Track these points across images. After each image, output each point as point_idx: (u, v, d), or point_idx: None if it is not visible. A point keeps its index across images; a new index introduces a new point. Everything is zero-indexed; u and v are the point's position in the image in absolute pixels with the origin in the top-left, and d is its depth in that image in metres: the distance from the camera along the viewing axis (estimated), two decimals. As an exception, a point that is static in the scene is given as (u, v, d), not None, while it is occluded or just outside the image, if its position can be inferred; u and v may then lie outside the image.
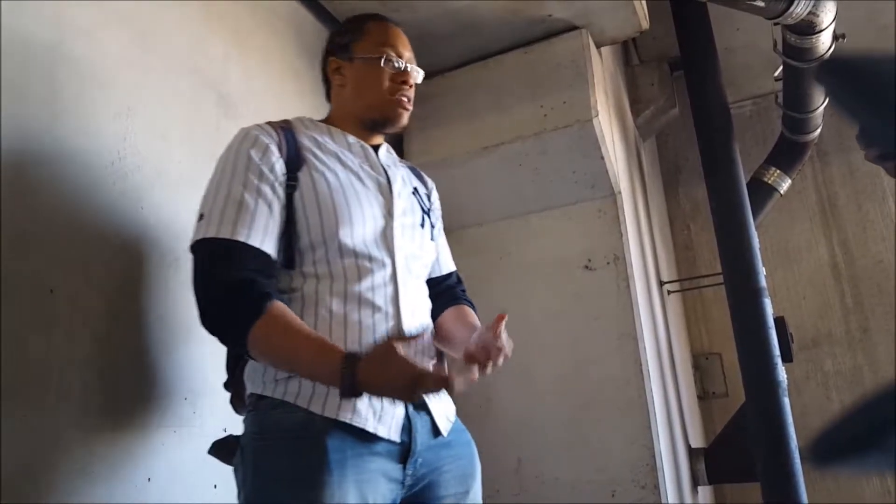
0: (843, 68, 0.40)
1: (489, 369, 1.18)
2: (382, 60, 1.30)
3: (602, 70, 2.63)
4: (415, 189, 1.39)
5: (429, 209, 1.41)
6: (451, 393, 1.11)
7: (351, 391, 1.00)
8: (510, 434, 2.51)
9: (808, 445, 0.39)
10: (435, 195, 1.51)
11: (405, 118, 1.34)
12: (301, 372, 1.09)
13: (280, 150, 1.19)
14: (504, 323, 1.18)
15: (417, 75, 1.37)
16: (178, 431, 1.39)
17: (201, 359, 1.47)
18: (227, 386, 1.28)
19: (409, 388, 0.98)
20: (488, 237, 2.71)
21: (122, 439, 1.29)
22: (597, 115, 2.37)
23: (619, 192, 2.57)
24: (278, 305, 1.08)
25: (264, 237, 1.12)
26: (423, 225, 1.34)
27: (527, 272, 2.62)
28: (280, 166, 1.17)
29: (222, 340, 1.12)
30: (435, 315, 1.37)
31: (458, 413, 2.54)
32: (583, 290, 2.52)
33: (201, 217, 1.12)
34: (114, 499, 1.24)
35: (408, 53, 1.36)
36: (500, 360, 1.19)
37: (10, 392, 1.11)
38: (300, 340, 1.06)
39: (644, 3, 2.52)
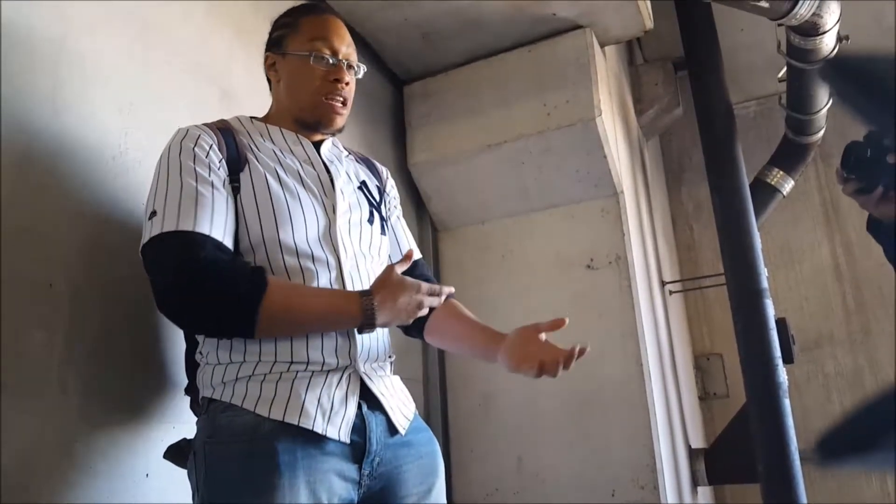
0: (849, 66, 0.40)
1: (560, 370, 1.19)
2: (312, 57, 1.24)
3: (606, 69, 2.62)
4: (362, 183, 1.34)
5: (378, 202, 1.36)
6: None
7: (371, 324, 1.09)
8: (510, 432, 2.51)
9: (813, 444, 0.39)
10: (391, 185, 1.45)
11: (339, 121, 1.28)
12: (318, 325, 1.10)
13: (221, 150, 1.16)
14: (559, 328, 1.26)
15: (357, 70, 1.30)
16: (176, 427, 1.38)
17: (202, 355, 1.47)
18: (187, 391, 1.27)
19: (416, 308, 1.11)
20: (491, 235, 2.71)
21: (122, 435, 1.29)
22: (600, 115, 2.37)
23: (622, 192, 2.57)
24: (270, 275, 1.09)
25: (226, 233, 1.09)
26: (371, 220, 1.30)
27: (529, 271, 2.62)
28: (223, 167, 1.14)
29: (222, 328, 1.08)
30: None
31: (459, 412, 2.56)
32: (585, 290, 2.52)
33: (153, 214, 1.07)
34: (113, 494, 1.24)
35: (345, 48, 1.28)
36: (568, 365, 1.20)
37: (10, 387, 1.10)
38: (311, 296, 1.10)
39: (648, 2, 2.51)
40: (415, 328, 1.37)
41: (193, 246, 1.04)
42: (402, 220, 1.48)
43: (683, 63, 3.06)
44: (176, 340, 1.42)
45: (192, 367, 1.23)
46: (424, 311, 1.15)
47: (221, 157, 1.15)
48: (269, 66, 1.31)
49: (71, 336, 1.22)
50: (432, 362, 2.64)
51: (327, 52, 1.25)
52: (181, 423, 1.39)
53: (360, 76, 1.32)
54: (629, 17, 2.44)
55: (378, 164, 1.47)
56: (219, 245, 1.07)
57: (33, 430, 1.13)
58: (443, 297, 1.16)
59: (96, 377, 1.26)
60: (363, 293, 1.10)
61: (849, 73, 0.41)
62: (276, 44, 1.30)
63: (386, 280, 1.12)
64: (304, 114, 1.27)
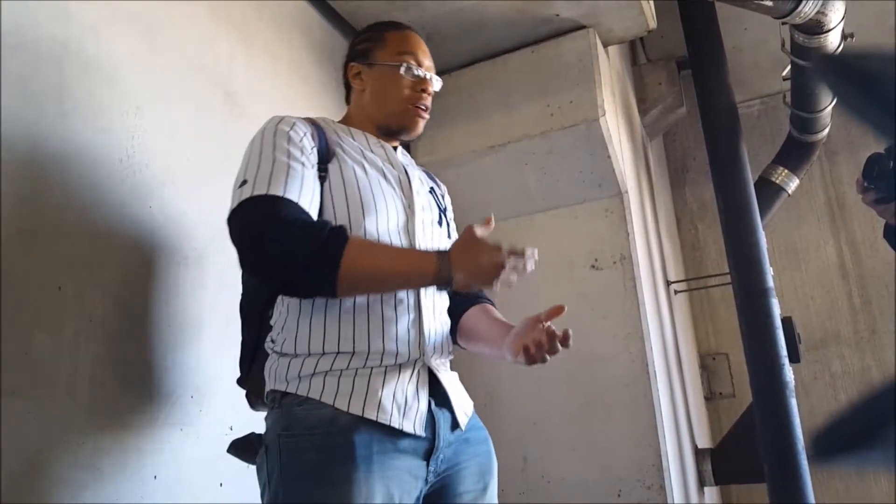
0: (841, 64, 0.41)
1: (548, 356, 1.18)
2: (403, 68, 1.32)
3: (609, 69, 2.62)
4: (431, 188, 1.41)
5: (444, 208, 1.43)
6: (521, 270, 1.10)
7: (447, 280, 1.07)
8: (515, 433, 2.51)
9: (810, 440, 0.39)
10: (448, 198, 1.52)
11: (421, 126, 1.36)
12: (396, 281, 1.11)
13: (314, 139, 1.21)
14: (559, 315, 1.22)
15: (437, 84, 1.38)
16: (184, 430, 1.40)
17: (208, 357, 1.48)
18: (241, 383, 1.28)
19: (497, 269, 1.06)
20: (494, 236, 2.69)
21: (130, 437, 1.30)
22: (604, 115, 2.37)
23: (626, 192, 2.56)
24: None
25: (311, 204, 1.13)
26: (440, 223, 1.36)
27: (533, 271, 2.61)
28: (314, 154, 1.19)
29: (307, 282, 1.08)
30: (456, 315, 1.37)
31: (464, 412, 2.56)
32: (589, 290, 2.52)
33: (244, 183, 1.10)
34: (121, 496, 1.24)
35: (427, 62, 1.37)
36: (559, 347, 1.17)
37: (18, 388, 1.11)
38: (390, 252, 1.13)
39: (651, 2, 2.51)
40: (451, 332, 1.38)
41: (280, 206, 1.08)
42: (457, 234, 1.51)
43: (687, 62, 3.06)
44: (184, 344, 1.43)
45: (252, 357, 1.25)
46: (510, 277, 1.09)
47: (314, 144, 1.20)
48: (354, 76, 1.37)
49: (78, 338, 1.23)
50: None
51: (415, 65, 1.33)
52: (189, 426, 1.40)
53: (437, 89, 1.38)
54: (632, 17, 2.43)
55: (437, 178, 1.53)
56: (304, 210, 1.11)
57: (41, 432, 1.14)
58: (528, 262, 1.10)
59: (104, 379, 1.26)
60: (440, 252, 1.11)
61: (841, 69, 0.41)
62: (362, 55, 1.36)
63: (465, 239, 1.10)
64: (391, 119, 1.33)
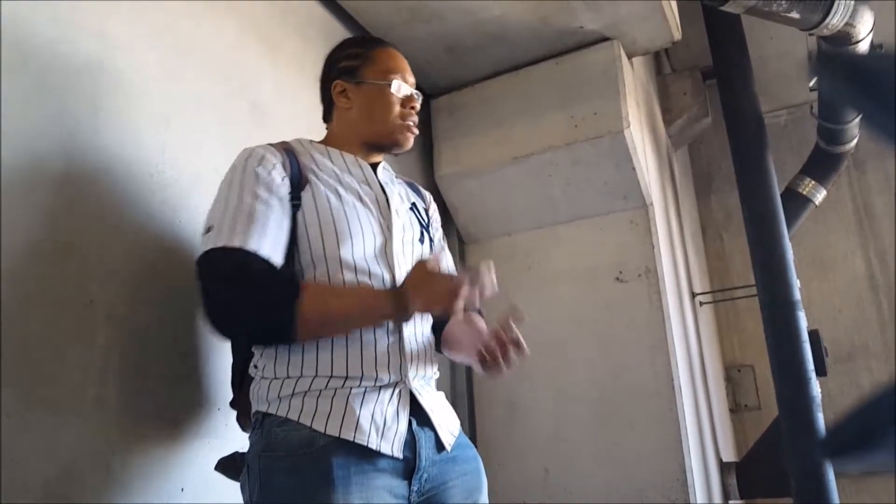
0: (839, 61, 0.41)
1: (503, 365, 1.19)
2: (394, 86, 1.33)
3: (633, 80, 2.61)
4: (413, 204, 1.41)
5: (427, 223, 1.43)
6: (479, 293, 1.12)
7: (406, 316, 1.13)
8: (537, 444, 2.50)
9: (818, 440, 0.39)
10: (433, 208, 1.52)
11: (411, 141, 1.37)
12: (353, 323, 1.14)
13: (285, 169, 1.21)
14: (516, 319, 1.21)
15: (419, 101, 1.39)
16: (210, 442, 1.41)
17: (235, 369, 1.49)
18: (233, 404, 1.30)
19: (452, 293, 1.08)
20: (517, 246, 2.71)
21: (157, 449, 1.31)
22: (628, 126, 2.36)
23: (651, 204, 2.55)
24: (305, 281, 1.15)
25: (274, 249, 1.14)
26: (422, 240, 1.36)
27: (556, 282, 2.61)
28: (285, 185, 1.19)
29: (263, 334, 1.14)
30: (442, 324, 1.37)
31: (484, 420, 2.56)
32: (614, 302, 2.50)
33: (209, 229, 1.13)
34: (148, 507, 1.26)
35: (412, 79, 1.38)
36: (513, 354, 1.19)
37: (48, 400, 1.13)
38: (345, 297, 1.15)
39: (676, 13, 2.50)
40: (437, 343, 1.38)
41: (239, 259, 1.10)
42: (445, 243, 1.53)
43: (712, 72, 3.04)
44: (211, 356, 1.45)
45: (240, 380, 1.26)
46: (465, 297, 1.09)
47: (285, 174, 1.20)
48: (339, 93, 1.36)
49: (108, 352, 1.25)
50: (459, 372, 2.65)
51: (403, 83, 1.35)
52: (216, 438, 1.42)
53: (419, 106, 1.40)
54: (657, 28, 2.43)
55: (422, 189, 1.53)
56: (265, 260, 1.12)
57: (71, 445, 1.16)
58: (485, 279, 1.12)
59: (133, 393, 1.28)
60: (394, 290, 1.15)
61: (839, 67, 0.41)
62: (347, 72, 1.36)
63: (416, 271, 1.14)
64: (381, 136, 1.34)
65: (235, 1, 1.80)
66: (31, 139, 1.19)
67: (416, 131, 1.37)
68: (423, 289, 1.11)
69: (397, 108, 1.33)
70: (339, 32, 2.27)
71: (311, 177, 1.23)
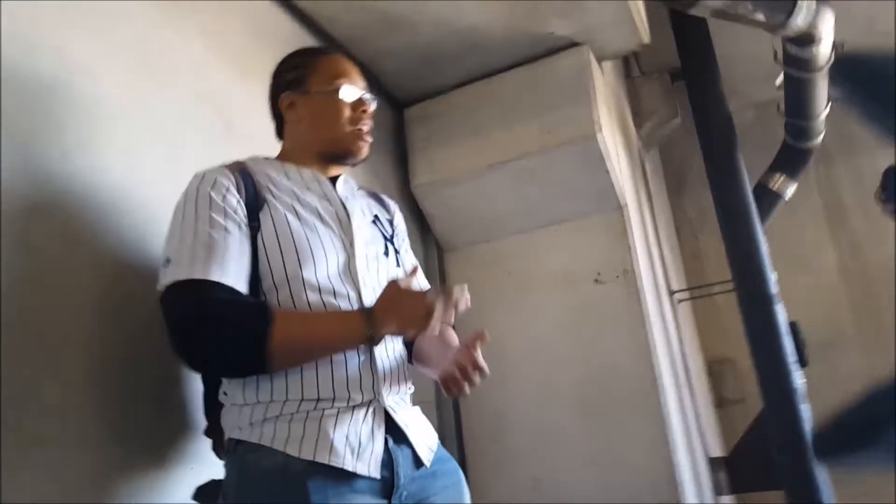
0: (857, 68, 0.41)
1: (467, 389, 1.19)
2: (342, 92, 1.30)
3: (604, 84, 2.64)
4: (375, 217, 1.38)
5: (391, 236, 1.40)
6: (449, 309, 1.12)
7: (373, 335, 1.10)
8: (526, 453, 2.49)
9: (811, 440, 0.39)
10: (398, 217, 1.49)
11: (366, 150, 1.33)
12: (327, 350, 1.11)
13: (239, 191, 1.17)
14: (480, 342, 1.20)
15: (373, 103, 1.36)
16: (195, 468, 1.37)
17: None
18: (207, 433, 1.28)
19: (425, 314, 1.07)
20: (496, 253, 2.71)
21: (143, 479, 1.28)
22: (600, 131, 2.38)
23: (626, 205, 2.57)
24: (274, 306, 1.12)
25: (237, 277, 1.11)
26: (386, 253, 1.33)
27: (536, 287, 2.62)
28: (241, 208, 1.16)
29: (236, 367, 1.11)
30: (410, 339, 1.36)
31: (472, 430, 2.55)
32: (593, 304, 2.52)
33: (167, 261, 1.09)
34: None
35: (361, 83, 1.35)
36: (477, 379, 1.20)
37: (28, 440, 1.10)
38: (316, 322, 1.13)
39: (644, 17, 2.53)
40: (408, 354, 1.37)
41: (202, 293, 1.06)
42: (410, 252, 1.50)
43: (680, 73, 3.08)
44: (192, 382, 1.42)
45: (212, 408, 1.24)
46: (439, 318, 1.10)
47: (239, 198, 1.17)
48: (288, 106, 1.33)
49: (87, 386, 1.21)
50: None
51: (351, 87, 1.32)
52: (201, 464, 1.38)
53: (373, 108, 1.37)
54: (626, 32, 2.45)
55: (386, 198, 1.50)
56: (229, 290, 1.09)
57: (54, 481, 1.12)
58: (460, 302, 1.13)
59: (115, 425, 1.25)
60: (365, 311, 1.13)
61: (857, 75, 0.42)
62: (294, 84, 1.33)
63: (387, 292, 1.13)
64: (334, 145, 1.31)
65: (204, 20, 1.77)
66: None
67: (370, 139, 1.34)
68: (395, 311, 1.10)
69: (348, 113, 1.30)
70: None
71: (269, 196, 1.20)
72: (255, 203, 1.18)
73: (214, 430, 1.24)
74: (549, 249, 2.64)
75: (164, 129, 1.54)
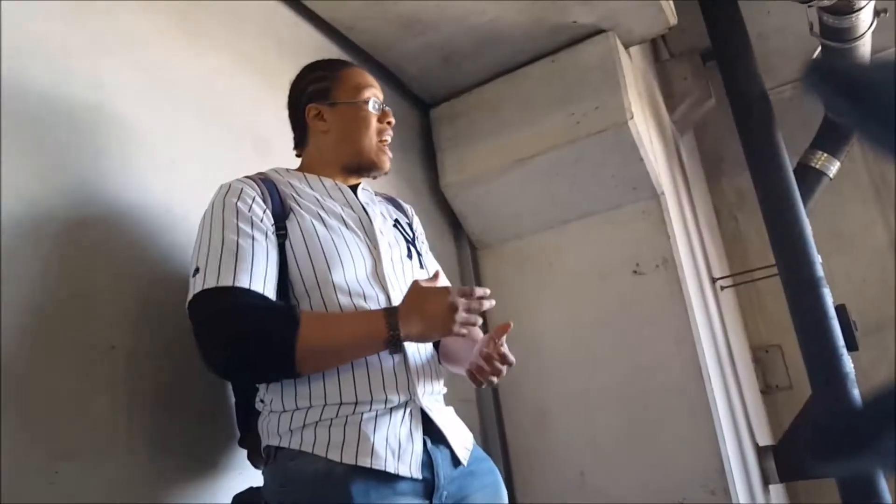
0: (831, 72, 0.39)
1: (494, 380, 1.23)
2: (370, 104, 1.33)
3: (633, 70, 2.59)
4: (396, 221, 1.40)
5: (413, 238, 1.42)
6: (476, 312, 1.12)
7: (396, 337, 1.08)
8: (570, 448, 2.47)
9: (807, 444, 0.39)
10: (416, 221, 1.51)
11: (388, 164, 1.36)
12: (353, 351, 1.11)
13: (265, 201, 1.19)
14: (505, 332, 1.22)
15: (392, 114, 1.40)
16: (243, 473, 1.40)
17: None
18: (241, 443, 1.30)
19: (449, 312, 1.07)
20: (530, 249, 2.69)
21: (192, 485, 1.31)
22: (632, 117, 2.33)
23: (663, 193, 2.52)
24: (301, 309, 1.13)
25: (266, 283, 1.11)
26: (409, 256, 1.35)
27: (573, 282, 2.59)
28: (268, 217, 1.17)
29: (264, 373, 1.12)
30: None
31: (516, 431, 2.54)
32: (633, 296, 2.47)
33: (196, 271, 1.10)
34: (188, 547, 1.25)
35: (381, 94, 1.39)
36: (504, 369, 1.23)
37: (80, 451, 1.13)
38: (340, 323, 1.12)
39: (670, -1, 2.47)
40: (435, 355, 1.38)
41: (231, 300, 1.07)
42: (431, 254, 1.52)
43: (711, 53, 3.00)
44: (231, 390, 1.44)
45: (246, 417, 1.26)
46: (466, 319, 1.10)
47: (266, 207, 1.18)
48: (315, 117, 1.35)
49: (133, 396, 1.25)
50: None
51: (376, 99, 1.35)
52: (247, 469, 1.41)
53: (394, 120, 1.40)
54: (651, 15, 2.40)
55: (403, 203, 1.52)
56: (258, 295, 1.10)
57: (106, 493, 1.16)
58: (483, 301, 1.12)
59: (161, 434, 1.28)
60: (388, 309, 1.12)
61: (832, 79, 0.40)
62: (319, 95, 1.35)
63: (410, 293, 1.13)
64: (361, 157, 1.33)
65: (230, 33, 1.80)
66: (34, 193, 1.19)
67: (390, 153, 1.36)
68: (418, 311, 1.10)
69: (375, 125, 1.33)
70: (336, 55, 2.27)
71: (294, 205, 1.21)
72: (281, 212, 1.19)
73: (249, 440, 1.26)
74: (584, 242, 2.60)
75: (197, 147, 1.58)
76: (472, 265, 2.77)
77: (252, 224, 1.14)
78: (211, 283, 1.07)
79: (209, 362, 1.10)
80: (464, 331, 1.11)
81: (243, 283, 1.08)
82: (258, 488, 1.20)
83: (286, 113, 1.91)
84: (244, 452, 1.43)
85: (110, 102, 1.38)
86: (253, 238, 1.13)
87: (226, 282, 1.07)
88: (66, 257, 1.21)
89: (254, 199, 1.17)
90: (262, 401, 1.19)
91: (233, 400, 1.44)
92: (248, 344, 1.07)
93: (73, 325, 1.18)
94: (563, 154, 2.45)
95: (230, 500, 1.29)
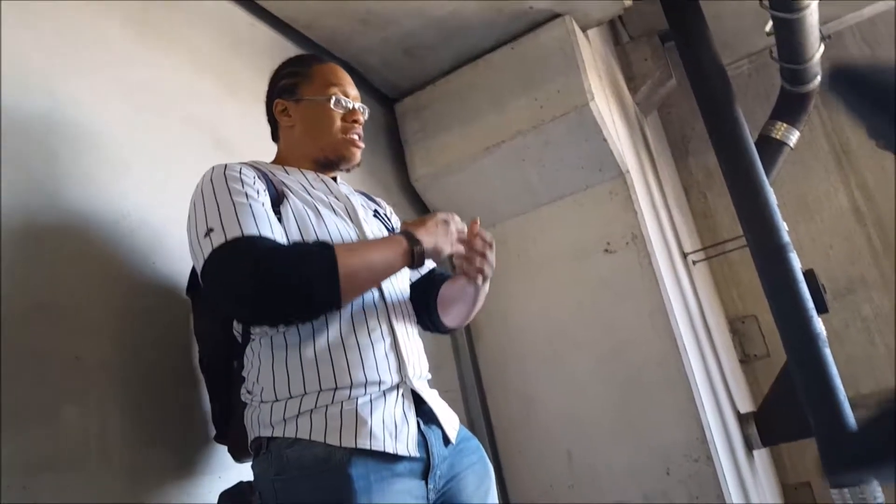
0: (853, 77, 0.41)
1: (485, 266, 1.27)
2: (332, 101, 1.33)
3: (592, 53, 2.62)
4: (375, 211, 1.43)
5: (392, 228, 1.44)
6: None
7: (421, 252, 1.15)
8: (557, 429, 2.50)
9: (823, 458, 0.39)
10: (394, 215, 1.54)
11: (358, 155, 1.37)
12: (383, 269, 1.14)
13: (263, 182, 1.19)
14: (476, 227, 1.28)
15: (365, 113, 1.40)
16: (222, 477, 1.39)
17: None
18: (220, 438, 1.29)
19: (444, 226, 1.20)
20: (504, 236, 2.71)
21: (169, 491, 1.30)
22: (592, 99, 2.37)
23: (628, 171, 2.56)
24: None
25: (279, 237, 1.11)
26: None
27: (546, 265, 2.62)
28: (267, 197, 1.16)
29: (311, 302, 1.06)
30: (433, 300, 1.40)
31: (501, 415, 2.56)
32: (606, 275, 2.51)
33: (210, 231, 1.07)
34: (171, 550, 1.25)
35: (354, 92, 1.39)
36: (488, 251, 1.28)
37: (50, 464, 1.12)
38: (368, 247, 1.15)
39: (623, -20, 2.51)
40: (437, 318, 1.41)
41: (259, 242, 1.06)
42: None
43: (670, 34, 3.05)
44: (206, 392, 1.43)
45: (224, 412, 1.27)
46: (458, 233, 1.23)
47: (264, 188, 1.18)
48: (281, 112, 1.37)
49: (104, 405, 1.24)
50: (467, 372, 2.65)
51: (343, 97, 1.35)
52: (225, 471, 1.41)
53: (366, 117, 1.40)
54: (606, -2, 2.44)
55: (376, 198, 1.54)
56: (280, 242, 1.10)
57: (79, 499, 1.14)
58: (474, 224, 1.26)
59: (136, 441, 1.27)
60: (399, 231, 1.19)
61: (855, 84, 0.41)
62: (287, 91, 1.37)
63: (405, 224, 1.21)
64: (327, 152, 1.34)
65: (185, 36, 1.79)
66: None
67: (362, 145, 1.37)
68: (421, 227, 1.18)
69: (339, 123, 1.34)
70: (295, 53, 2.27)
71: (286, 190, 1.22)
72: (276, 196, 1.19)
73: (230, 435, 1.26)
74: (556, 226, 2.64)
75: (157, 152, 1.56)
76: (447, 258, 2.78)
77: (257, 194, 1.14)
78: (235, 234, 1.05)
79: (245, 310, 1.07)
80: (459, 247, 1.23)
81: (266, 233, 1.08)
82: (248, 483, 1.20)
83: (246, 113, 1.93)
84: (220, 454, 1.42)
85: (62, 107, 1.36)
86: (262, 204, 1.13)
87: (250, 231, 1.06)
88: (27, 268, 1.19)
89: (254, 178, 1.17)
90: (248, 391, 1.19)
91: (205, 400, 1.42)
92: (292, 281, 1.03)
93: (35, 337, 1.16)
94: (529, 139, 2.48)
95: (213, 499, 1.30)
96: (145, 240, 1.44)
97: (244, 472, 1.40)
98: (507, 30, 2.51)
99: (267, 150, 1.44)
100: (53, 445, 1.14)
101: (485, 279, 1.30)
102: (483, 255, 1.26)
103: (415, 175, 2.67)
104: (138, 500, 1.24)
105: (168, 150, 1.60)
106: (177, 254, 1.49)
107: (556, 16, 2.48)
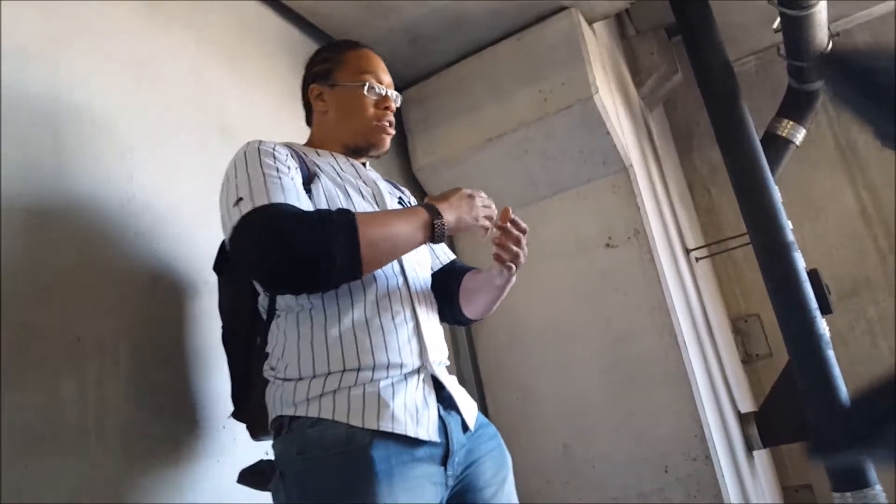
0: (847, 66, 0.40)
1: (520, 253, 1.28)
2: (365, 88, 1.34)
3: (597, 46, 2.60)
4: (399, 198, 1.44)
5: None
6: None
7: (442, 223, 1.16)
8: (554, 422, 2.49)
9: (810, 439, 0.39)
10: (415, 202, 1.53)
11: (388, 143, 1.39)
12: (404, 240, 1.13)
13: (296, 161, 1.20)
14: (510, 211, 1.28)
15: (398, 100, 1.41)
16: (220, 461, 1.40)
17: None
18: (237, 416, 1.29)
19: (469, 200, 1.21)
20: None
21: (166, 472, 1.31)
22: (597, 92, 2.35)
23: (631, 166, 2.54)
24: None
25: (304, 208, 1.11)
26: None
27: (547, 258, 2.61)
28: (299, 175, 1.18)
29: (333, 269, 1.05)
30: (455, 291, 1.41)
31: (499, 408, 2.55)
32: (607, 269, 2.50)
33: (239, 200, 1.07)
34: (165, 533, 1.25)
35: (387, 79, 1.39)
36: (523, 236, 1.29)
37: (49, 441, 1.12)
38: (389, 217, 1.15)
39: (630, -27, 2.49)
40: (458, 310, 1.41)
41: (286, 210, 1.06)
42: None
43: (676, 28, 3.03)
44: (207, 375, 1.44)
45: (243, 388, 1.26)
46: (485, 209, 1.24)
47: (297, 166, 1.19)
48: (316, 97, 1.38)
49: (102, 386, 1.24)
50: (465, 365, 2.64)
51: (376, 83, 1.36)
52: (224, 455, 1.41)
53: (398, 104, 1.41)
54: (612, -10, 2.41)
55: (400, 186, 1.55)
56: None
57: (76, 478, 1.15)
58: (506, 210, 1.26)
59: (133, 422, 1.27)
60: (427, 205, 1.19)
61: (848, 73, 0.40)
62: (322, 76, 1.38)
63: (430, 198, 1.21)
64: (358, 138, 1.36)
65: (193, 21, 1.79)
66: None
67: (392, 131, 1.38)
68: (444, 201, 1.19)
69: (371, 110, 1.35)
70: (300, 41, 2.26)
71: (317, 171, 1.24)
72: (307, 175, 1.21)
73: (249, 412, 1.26)
74: (558, 218, 2.62)
75: (160, 134, 1.56)
76: (448, 247, 2.77)
77: (289, 169, 1.15)
78: (262, 202, 1.06)
79: (270, 276, 1.07)
80: (486, 222, 1.24)
81: (292, 200, 1.09)
82: (268, 461, 1.19)
83: (252, 99, 1.92)
84: (219, 437, 1.43)
85: (69, 91, 1.36)
86: (292, 179, 1.14)
87: (277, 199, 1.07)
88: (29, 248, 1.19)
89: (287, 156, 1.18)
90: (272, 368, 1.18)
91: (207, 384, 1.43)
92: (314, 247, 1.03)
93: (36, 318, 1.17)
94: (533, 131, 2.46)
95: (210, 487, 1.29)
96: (149, 223, 1.44)
97: (241, 456, 1.40)
98: (514, 21, 2.49)
99: (271, 135, 1.43)
100: (53, 426, 1.14)
101: (518, 267, 1.30)
102: (518, 242, 1.27)
103: (417, 164, 2.65)
104: (136, 481, 1.24)
105: (173, 133, 1.60)
106: (181, 236, 1.50)
107: (563, 8, 2.46)
